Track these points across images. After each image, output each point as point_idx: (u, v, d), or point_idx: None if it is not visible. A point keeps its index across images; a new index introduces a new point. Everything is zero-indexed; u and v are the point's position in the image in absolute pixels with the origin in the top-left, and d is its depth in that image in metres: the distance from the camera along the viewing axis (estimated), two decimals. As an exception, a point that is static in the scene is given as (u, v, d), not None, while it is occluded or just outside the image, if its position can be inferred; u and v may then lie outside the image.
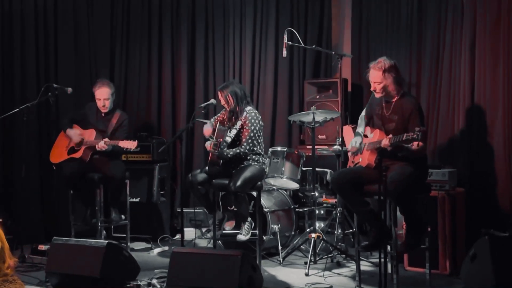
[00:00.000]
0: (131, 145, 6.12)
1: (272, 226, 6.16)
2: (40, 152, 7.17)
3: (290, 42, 6.26)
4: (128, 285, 5.03)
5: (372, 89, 5.08)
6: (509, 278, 4.30)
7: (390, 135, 4.72)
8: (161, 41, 7.95)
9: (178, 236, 7.16)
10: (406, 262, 5.66)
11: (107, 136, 6.37)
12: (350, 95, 7.44)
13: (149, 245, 6.90)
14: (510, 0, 5.84)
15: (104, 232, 6.60)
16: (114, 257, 4.94)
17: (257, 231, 5.72)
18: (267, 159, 6.19)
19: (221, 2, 7.93)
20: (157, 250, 6.66)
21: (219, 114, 6.10)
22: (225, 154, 5.70)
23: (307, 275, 5.55)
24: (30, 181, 6.96)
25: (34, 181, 7.09)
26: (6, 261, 3.17)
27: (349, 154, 5.39)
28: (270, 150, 6.37)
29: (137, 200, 7.21)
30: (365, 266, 5.73)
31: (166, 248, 6.75)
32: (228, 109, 5.88)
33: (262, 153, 5.88)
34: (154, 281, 5.18)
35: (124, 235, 6.68)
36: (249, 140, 5.73)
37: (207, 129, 5.94)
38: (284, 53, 6.23)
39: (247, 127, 5.73)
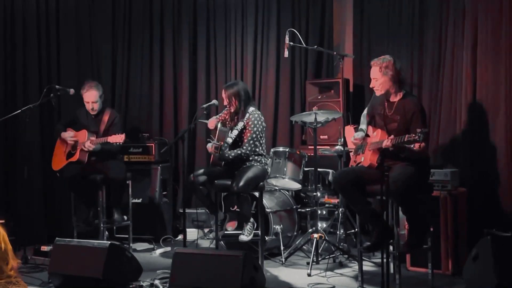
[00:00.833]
0: (119, 138, 6.11)
1: (274, 226, 6.16)
2: (42, 153, 7.18)
3: (291, 43, 6.27)
4: (131, 286, 5.04)
5: (371, 85, 5.11)
6: (511, 278, 4.30)
7: (392, 136, 4.72)
8: (163, 43, 7.96)
9: (180, 237, 7.18)
10: (408, 262, 5.66)
11: (100, 136, 6.38)
12: (351, 95, 7.44)
13: (152, 246, 6.90)
14: (512, -1, 5.86)
15: (107, 233, 6.60)
16: (116, 258, 4.94)
17: (259, 232, 5.72)
18: (269, 159, 6.19)
19: (222, 2, 7.94)
20: (159, 251, 6.66)
21: (221, 114, 6.10)
22: (227, 155, 5.70)
23: (309, 275, 5.55)
24: (33, 182, 6.97)
25: (36, 182, 7.10)
26: (9, 263, 3.17)
27: (351, 154, 5.39)
28: (272, 150, 6.37)
29: (139, 200, 7.21)
30: (367, 266, 5.73)
31: (169, 248, 6.76)
32: (230, 109, 5.88)
33: (264, 153, 5.88)
34: (157, 282, 5.19)
35: (127, 236, 6.68)
36: (251, 141, 5.73)
37: (211, 121, 5.95)
38: (286, 53, 6.23)
39: (249, 128, 5.73)
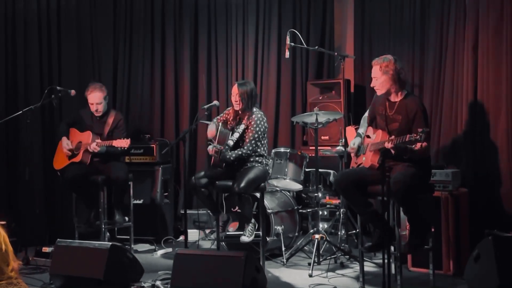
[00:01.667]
0: (124, 143, 6.12)
1: (275, 227, 6.16)
2: (44, 154, 7.18)
3: (292, 43, 6.27)
4: (132, 287, 5.04)
5: (371, 85, 5.12)
6: (513, 279, 4.30)
7: (393, 137, 4.71)
8: (164, 43, 7.96)
9: (181, 238, 7.18)
10: (409, 263, 5.65)
11: (104, 138, 6.38)
12: (353, 96, 7.45)
13: (153, 247, 6.90)
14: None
15: (108, 234, 6.60)
16: (117, 259, 4.94)
17: (260, 232, 5.72)
18: (270, 160, 6.19)
19: (223, 3, 7.94)
20: (160, 252, 6.66)
21: (222, 115, 6.10)
22: (228, 157, 5.70)
23: (310, 276, 5.55)
24: (34, 183, 6.97)
25: (37, 183, 7.10)
26: (10, 264, 3.16)
27: (352, 155, 5.39)
28: (273, 151, 6.37)
29: (141, 201, 7.21)
30: (368, 267, 5.73)
31: (170, 249, 6.76)
32: (236, 107, 5.85)
33: (265, 154, 5.88)
34: (158, 283, 5.19)
35: (128, 237, 6.68)
36: (252, 141, 5.73)
37: (211, 131, 5.94)
38: (287, 54, 6.23)
39: (251, 128, 5.73)
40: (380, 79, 5.03)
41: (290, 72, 7.73)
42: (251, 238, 5.72)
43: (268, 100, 7.76)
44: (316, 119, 6.06)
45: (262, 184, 5.79)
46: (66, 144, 6.51)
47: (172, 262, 4.83)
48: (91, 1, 7.68)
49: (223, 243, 6.17)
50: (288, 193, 6.69)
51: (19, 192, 6.97)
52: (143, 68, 7.94)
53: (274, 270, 5.84)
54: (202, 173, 5.84)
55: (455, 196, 5.46)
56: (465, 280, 4.86)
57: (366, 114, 5.40)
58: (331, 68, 7.69)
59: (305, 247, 6.25)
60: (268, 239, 6.04)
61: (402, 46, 6.84)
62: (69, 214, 6.78)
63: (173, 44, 7.95)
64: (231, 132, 5.82)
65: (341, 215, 6.35)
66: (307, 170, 6.40)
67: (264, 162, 5.86)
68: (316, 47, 6.62)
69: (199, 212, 7.27)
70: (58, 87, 6.55)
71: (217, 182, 5.79)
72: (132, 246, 6.64)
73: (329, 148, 6.83)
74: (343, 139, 6.10)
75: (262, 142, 5.83)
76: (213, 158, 5.80)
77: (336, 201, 6.62)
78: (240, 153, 5.71)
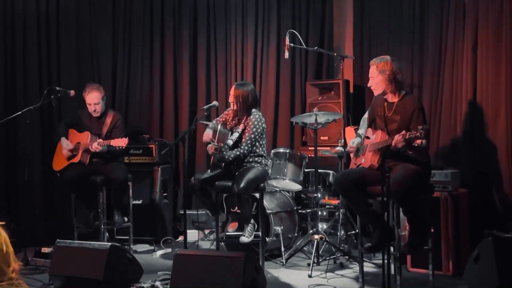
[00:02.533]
0: (122, 142, 6.13)
1: (275, 227, 6.16)
2: (43, 155, 7.18)
3: (292, 44, 6.27)
4: (131, 287, 5.04)
5: (368, 85, 5.13)
6: (513, 279, 4.30)
7: (403, 132, 4.66)
8: (163, 44, 7.96)
9: (180, 238, 7.18)
10: (409, 263, 5.65)
11: (102, 139, 6.39)
12: (352, 96, 7.44)
13: (152, 247, 6.90)
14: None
15: (107, 234, 6.60)
16: (117, 259, 4.93)
17: (260, 233, 5.72)
18: (270, 160, 6.19)
19: (222, 4, 7.94)
20: (160, 252, 6.66)
21: (221, 116, 6.09)
22: (226, 157, 5.70)
23: (310, 276, 5.55)
24: (33, 183, 6.98)
25: (37, 183, 7.10)
26: (11, 265, 3.16)
27: (351, 155, 5.39)
28: (272, 151, 6.37)
29: (140, 202, 7.21)
30: (368, 267, 5.72)
31: (169, 250, 6.76)
32: (234, 108, 5.85)
33: (264, 154, 5.88)
34: (157, 283, 5.19)
35: (127, 237, 6.68)
36: (248, 141, 5.71)
37: (206, 135, 5.90)
38: (286, 54, 6.24)
39: (249, 128, 5.72)
40: (376, 79, 5.04)
41: (289, 72, 7.72)
42: (251, 239, 5.72)
43: (267, 101, 7.76)
44: (316, 119, 6.06)
45: (262, 184, 5.78)
46: (66, 144, 6.51)
47: (172, 263, 4.82)
48: (90, 2, 7.68)
49: (222, 243, 6.16)
50: (288, 194, 6.69)
51: (19, 192, 6.97)
52: (142, 68, 7.94)
53: (274, 270, 5.84)
54: (202, 174, 5.83)
55: (454, 197, 5.46)
56: (464, 281, 4.86)
57: (366, 115, 5.40)
58: (330, 68, 7.69)
59: (304, 248, 6.25)
60: (267, 239, 6.03)
61: (401, 46, 6.83)
62: (69, 215, 6.78)
63: (172, 44, 7.95)
64: (230, 132, 5.82)
65: (341, 216, 6.35)
66: (306, 170, 6.41)
67: (264, 162, 5.86)
68: (315, 47, 6.63)
69: (198, 212, 7.27)
70: (57, 88, 6.55)
71: (216, 182, 5.79)
72: (132, 246, 6.64)
73: (329, 148, 6.83)
74: (343, 140, 6.10)
75: (261, 142, 5.83)
76: (212, 157, 5.79)
77: (335, 202, 6.62)
78: (238, 153, 5.71)
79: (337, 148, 6.46)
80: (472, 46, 6.10)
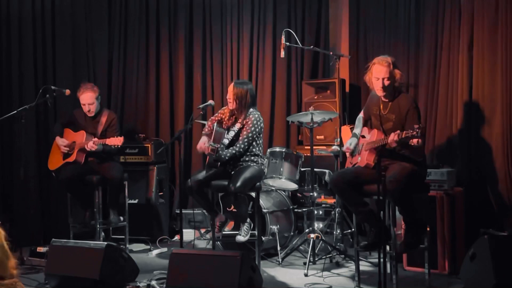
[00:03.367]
0: (117, 141, 6.11)
1: (271, 226, 6.15)
2: (38, 154, 7.16)
3: (288, 43, 6.27)
4: (127, 287, 5.03)
5: (380, 86, 4.94)
6: (509, 278, 4.30)
7: (398, 131, 4.65)
8: (159, 43, 7.96)
9: (176, 237, 7.17)
10: (405, 262, 5.66)
11: (98, 138, 6.37)
12: (348, 95, 7.45)
13: (148, 247, 6.89)
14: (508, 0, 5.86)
15: (103, 233, 6.59)
16: (113, 258, 4.93)
17: (256, 232, 5.72)
18: (266, 159, 6.18)
19: (218, 3, 7.94)
20: (156, 252, 6.65)
21: (216, 114, 6.08)
22: (222, 156, 5.68)
23: (306, 275, 5.54)
24: (29, 183, 6.95)
25: (32, 183, 7.08)
26: (10, 259, 3.11)
27: (347, 154, 5.39)
28: (268, 150, 6.37)
29: (136, 201, 7.20)
30: (364, 266, 5.73)
31: (165, 249, 6.75)
32: (231, 107, 5.83)
33: (260, 154, 5.87)
34: (153, 283, 5.18)
35: (123, 237, 6.67)
36: (245, 140, 5.70)
37: (200, 144, 5.82)
38: (282, 54, 6.23)
39: (247, 127, 5.70)
40: (389, 80, 4.92)
41: (285, 71, 7.73)
42: (247, 238, 5.71)
43: (263, 100, 7.76)
44: (311, 118, 6.07)
45: (258, 184, 5.78)
46: (62, 142, 6.50)
47: (168, 262, 4.82)
48: (86, 1, 7.66)
49: (218, 242, 6.16)
50: (284, 193, 6.69)
51: (14, 192, 6.95)
52: (138, 67, 7.94)
53: (270, 269, 5.84)
54: (198, 175, 5.81)
55: (450, 195, 5.46)
56: (460, 279, 4.87)
57: (361, 115, 5.40)
58: (326, 67, 7.69)
59: (300, 247, 6.25)
60: (263, 238, 6.03)
61: (397, 45, 6.84)
62: (64, 214, 6.76)
63: (168, 43, 7.95)
64: (226, 131, 5.81)
65: (337, 214, 6.36)
66: (302, 169, 6.41)
67: (260, 162, 5.85)
68: (311, 46, 6.64)
69: (194, 211, 7.27)
70: (52, 87, 6.53)
71: (212, 182, 5.77)
72: (127, 245, 6.63)
73: (324, 147, 6.84)
74: (338, 139, 6.11)
75: (258, 142, 5.82)
76: (208, 156, 5.78)
77: (331, 201, 6.63)
78: (233, 151, 5.69)
79: (333, 147, 6.47)
80: (467, 45, 6.11)
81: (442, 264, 5.44)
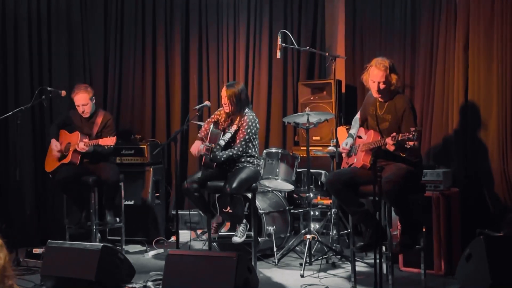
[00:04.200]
0: (110, 141, 6.10)
1: (267, 227, 6.16)
2: (34, 155, 7.16)
3: (284, 44, 6.27)
4: (124, 288, 5.04)
5: (375, 89, 4.95)
6: (505, 278, 4.31)
7: (394, 134, 4.65)
8: (155, 44, 7.96)
9: (173, 238, 7.16)
10: (401, 263, 5.67)
11: (93, 139, 6.36)
12: (344, 96, 7.46)
13: (144, 248, 6.89)
14: (503, 0, 5.86)
15: (99, 235, 6.58)
16: (109, 260, 4.93)
17: (252, 233, 5.72)
18: (262, 160, 6.18)
19: (214, 4, 7.94)
20: (152, 253, 6.65)
21: (213, 116, 6.08)
22: (218, 157, 5.68)
23: (302, 276, 5.55)
24: (24, 184, 6.96)
25: (28, 184, 7.08)
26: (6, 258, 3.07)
27: (344, 155, 5.39)
28: (264, 151, 6.37)
29: (132, 202, 7.20)
30: (360, 266, 5.73)
31: (161, 250, 6.75)
32: (226, 109, 5.84)
33: (256, 155, 5.88)
34: (150, 284, 5.18)
35: (119, 238, 6.67)
36: (243, 142, 5.71)
37: (194, 148, 5.84)
38: (278, 54, 6.23)
39: (243, 129, 5.71)
40: (385, 84, 4.93)
41: (281, 72, 7.73)
42: (243, 239, 5.71)
43: (260, 101, 7.76)
44: (308, 119, 6.07)
45: (254, 184, 5.78)
46: (55, 146, 6.49)
47: (164, 263, 4.82)
48: (82, 3, 7.66)
49: (214, 243, 6.16)
50: (280, 193, 6.69)
51: (10, 192, 6.95)
52: (134, 68, 7.94)
53: (266, 270, 5.83)
54: (194, 176, 5.81)
55: (446, 196, 5.47)
56: (456, 280, 4.87)
57: (358, 115, 5.40)
58: (322, 68, 7.69)
59: (296, 247, 6.25)
60: (259, 239, 6.03)
61: (393, 46, 6.85)
62: (60, 215, 6.75)
63: (164, 44, 7.95)
64: (222, 132, 5.81)
65: (333, 215, 6.36)
66: (298, 170, 6.41)
67: (256, 162, 5.86)
68: (307, 47, 6.64)
69: (190, 212, 7.27)
70: (48, 88, 6.53)
71: (208, 183, 5.78)
72: (124, 247, 6.63)
73: (321, 148, 6.84)
74: (335, 140, 6.12)
75: (254, 143, 5.82)
76: (204, 157, 5.78)
77: (327, 201, 6.63)
78: (230, 153, 5.70)
79: (329, 148, 6.47)
80: (463, 46, 6.12)
81: (438, 265, 5.45)
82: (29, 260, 6.04)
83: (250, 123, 5.72)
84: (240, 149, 5.71)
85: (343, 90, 7.48)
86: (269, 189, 6.56)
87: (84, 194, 6.46)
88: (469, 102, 6.09)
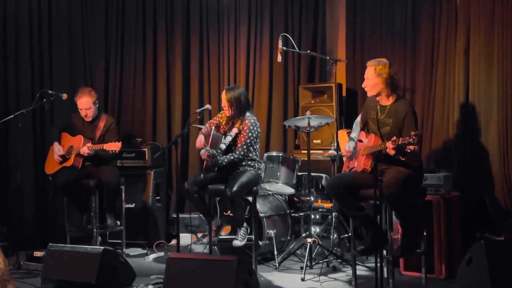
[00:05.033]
0: (115, 146, 6.11)
1: (267, 231, 6.15)
2: (35, 158, 7.16)
3: (284, 48, 6.28)
4: (124, 291, 5.04)
5: (362, 85, 5.11)
6: (505, 282, 4.31)
7: (394, 138, 4.68)
8: (156, 47, 7.96)
9: (173, 242, 7.16)
10: (402, 267, 5.66)
11: (95, 142, 6.37)
12: (344, 100, 7.45)
13: (145, 251, 6.88)
14: (504, 3, 5.87)
15: (100, 238, 6.58)
16: (109, 263, 4.93)
17: (253, 236, 5.72)
18: (263, 164, 6.19)
19: (215, 7, 7.95)
20: (152, 256, 6.65)
21: (214, 118, 6.09)
22: (220, 161, 5.69)
23: (303, 280, 5.54)
24: (25, 187, 6.96)
25: (29, 187, 7.08)
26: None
27: (344, 158, 5.39)
28: (265, 155, 6.37)
29: (133, 205, 7.20)
30: (361, 270, 5.73)
31: (162, 253, 6.75)
32: (227, 113, 5.84)
33: (257, 158, 5.88)
34: (150, 287, 5.18)
35: (120, 241, 6.66)
36: (244, 147, 5.72)
37: (199, 141, 5.88)
38: (279, 58, 6.24)
39: (244, 133, 5.72)
40: (372, 81, 5.03)
41: (282, 76, 7.73)
42: (244, 242, 5.71)
43: (260, 104, 7.76)
44: (308, 123, 6.07)
45: (255, 188, 5.78)
46: (57, 150, 6.49)
47: (164, 266, 4.82)
48: (83, 5, 7.67)
49: (215, 247, 6.15)
50: (281, 197, 6.69)
51: (10, 196, 6.95)
52: (135, 72, 7.94)
53: (267, 274, 5.83)
54: (195, 178, 5.82)
55: (447, 200, 5.47)
56: (457, 284, 4.87)
57: (358, 119, 5.41)
58: (323, 72, 7.69)
59: (297, 251, 6.25)
60: (260, 243, 6.03)
61: (393, 50, 6.85)
62: (61, 218, 6.75)
63: (165, 48, 7.95)
64: (223, 136, 5.82)
65: (334, 219, 6.35)
66: (299, 173, 6.40)
67: (256, 166, 5.86)
68: (308, 51, 6.63)
69: (191, 216, 7.26)
70: (49, 91, 6.54)
71: (209, 186, 5.78)
72: (124, 250, 6.62)
73: (321, 151, 6.83)
74: (335, 143, 6.12)
75: (255, 147, 5.83)
76: (205, 161, 5.79)
77: (328, 205, 6.62)
78: (232, 157, 5.70)
79: (330, 151, 6.46)
80: (464, 49, 6.13)
81: (439, 269, 5.44)
82: (30, 263, 6.04)
83: (251, 127, 5.72)
84: (242, 153, 5.72)
85: (344, 93, 7.48)
86: (269, 192, 6.56)
87: (85, 197, 6.46)
88: (469, 105, 6.09)
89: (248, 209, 6.11)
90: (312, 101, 7.33)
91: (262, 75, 7.78)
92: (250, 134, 5.71)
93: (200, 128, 6.12)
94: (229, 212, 5.84)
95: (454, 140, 6.18)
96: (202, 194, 5.84)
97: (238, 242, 5.69)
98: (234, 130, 5.76)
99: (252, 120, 5.76)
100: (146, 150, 7.33)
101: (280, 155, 6.30)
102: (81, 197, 6.50)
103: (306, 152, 6.20)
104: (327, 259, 5.99)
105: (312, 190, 6.37)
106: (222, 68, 7.96)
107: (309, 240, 5.89)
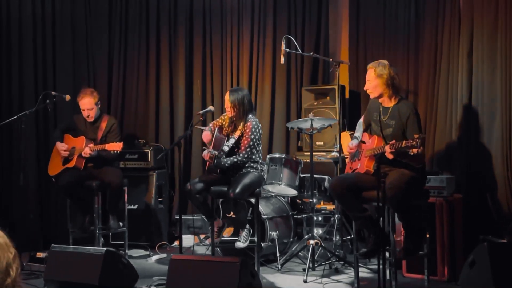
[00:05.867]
0: (116, 147, 6.12)
1: (270, 232, 6.15)
2: (38, 159, 7.17)
3: (287, 49, 6.27)
4: (127, 293, 5.03)
5: (364, 88, 5.14)
6: (508, 284, 4.30)
7: (393, 141, 4.69)
8: (159, 49, 7.97)
9: (176, 243, 7.17)
10: (404, 269, 5.66)
11: (97, 143, 6.38)
12: (347, 102, 7.45)
13: (147, 252, 6.89)
14: (507, 5, 5.87)
15: (102, 239, 6.58)
16: (112, 264, 4.92)
17: (255, 238, 5.72)
18: (265, 165, 6.19)
19: (218, 9, 7.95)
20: (155, 257, 6.65)
21: (218, 119, 6.09)
22: (223, 163, 5.70)
23: (305, 281, 5.54)
24: (28, 188, 6.95)
25: (32, 188, 7.09)
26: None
27: (347, 160, 5.39)
28: (268, 156, 6.37)
29: (135, 207, 7.20)
30: (363, 272, 5.73)
31: (164, 255, 6.75)
32: (229, 115, 5.85)
33: (260, 160, 5.88)
34: (153, 288, 5.19)
35: (122, 242, 6.67)
36: (248, 149, 5.72)
37: (206, 135, 5.93)
38: (282, 60, 6.24)
39: (247, 136, 5.72)
40: (373, 82, 5.04)
41: (285, 78, 7.73)
42: (246, 244, 5.71)
43: (263, 106, 7.76)
44: (311, 125, 6.07)
45: (257, 190, 5.78)
46: (61, 146, 6.50)
47: (167, 268, 4.82)
48: (86, 6, 7.68)
49: (218, 248, 6.15)
50: (283, 199, 6.69)
51: (13, 197, 6.95)
52: (138, 73, 7.95)
53: (269, 275, 5.83)
54: (197, 179, 5.83)
55: (449, 202, 5.47)
56: (460, 286, 4.87)
57: (362, 119, 5.41)
58: (326, 74, 7.69)
59: (300, 253, 6.24)
60: (263, 244, 6.03)
61: (396, 52, 6.85)
62: (64, 219, 6.76)
63: (168, 49, 7.96)
64: (226, 138, 5.82)
65: (336, 221, 6.35)
66: (302, 175, 6.40)
67: (259, 168, 5.86)
68: (311, 53, 6.64)
69: (193, 217, 7.26)
70: (53, 92, 6.56)
71: (212, 187, 5.78)
72: (127, 251, 6.62)
73: (324, 153, 6.84)
74: (338, 145, 6.11)
75: (257, 149, 5.83)
76: (208, 163, 5.80)
77: (331, 207, 6.62)
78: (235, 160, 5.71)
79: (333, 153, 6.47)
80: (467, 51, 6.12)
81: (442, 271, 5.44)
82: (33, 264, 6.03)
83: (253, 129, 5.73)
84: (246, 156, 5.73)
85: (347, 95, 7.47)
86: (272, 194, 6.56)
87: (88, 198, 6.47)
88: (472, 108, 6.08)
89: (251, 210, 6.10)
90: (315, 103, 7.33)
91: (265, 77, 7.78)
92: (252, 136, 5.72)
93: (203, 130, 6.13)
94: (231, 213, 5.84)
95: (457, 143, 6.18)
96: (204, 195, 5.84)
97: (240, 244, 5.69)
98: (237, 133, 5.76)
99: (254, 122, 5.76)
100: (148, 151, 7.33)
101: (283, 156, 6.30)
102: (84, 198, 6.52)
103: (308, 153, 6.20)
104: (330, 261, 5.99)
105: (315, 191, 6.37)
106: (225, 70, 7.97)
107: (311, 241, 5.89)
